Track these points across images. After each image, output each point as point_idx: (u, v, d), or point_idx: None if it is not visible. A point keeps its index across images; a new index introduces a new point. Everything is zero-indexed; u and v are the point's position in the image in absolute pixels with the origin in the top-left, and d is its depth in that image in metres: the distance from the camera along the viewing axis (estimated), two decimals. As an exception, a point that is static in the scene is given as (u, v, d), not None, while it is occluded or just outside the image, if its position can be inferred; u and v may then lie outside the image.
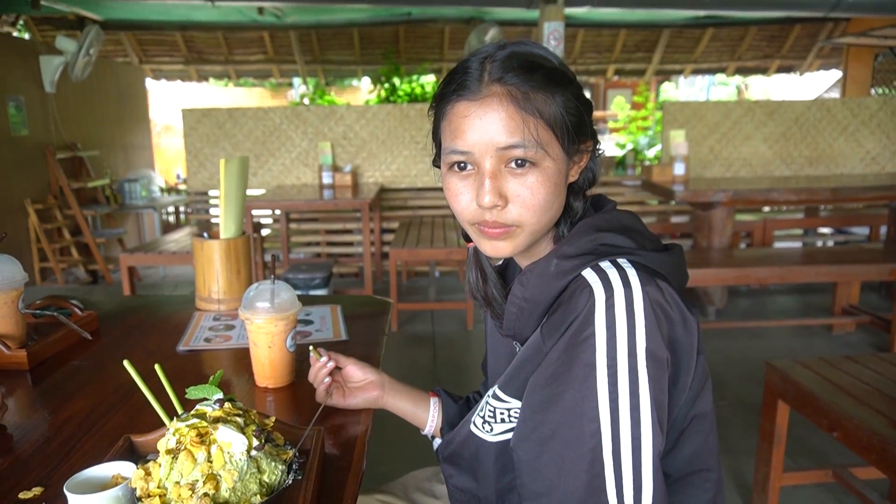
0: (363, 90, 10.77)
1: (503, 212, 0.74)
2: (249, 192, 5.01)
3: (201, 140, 4.88)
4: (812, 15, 5.08)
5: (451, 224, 4.41)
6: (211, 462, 0.65)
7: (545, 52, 0.77)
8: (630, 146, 7.82)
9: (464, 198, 0.76)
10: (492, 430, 0.83)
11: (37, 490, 0.77)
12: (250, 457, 0.67)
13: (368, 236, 4.03)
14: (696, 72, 8.33)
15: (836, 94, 8.91)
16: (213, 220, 5.22)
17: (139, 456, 0.79)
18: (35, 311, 1.32)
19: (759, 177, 4.84)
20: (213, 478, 0.64)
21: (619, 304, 0.68)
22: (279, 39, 7.28)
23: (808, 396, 1.68)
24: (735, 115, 4.92)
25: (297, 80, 9.08)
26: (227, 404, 0.70)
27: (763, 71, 8.17)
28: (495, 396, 0.82)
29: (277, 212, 5.05)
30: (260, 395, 1.08)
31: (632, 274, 0.70)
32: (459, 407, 1.05)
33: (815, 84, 10.58)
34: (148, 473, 0.66)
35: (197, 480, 0.64)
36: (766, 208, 5.26)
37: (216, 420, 0.67)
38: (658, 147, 7.39)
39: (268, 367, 1.08)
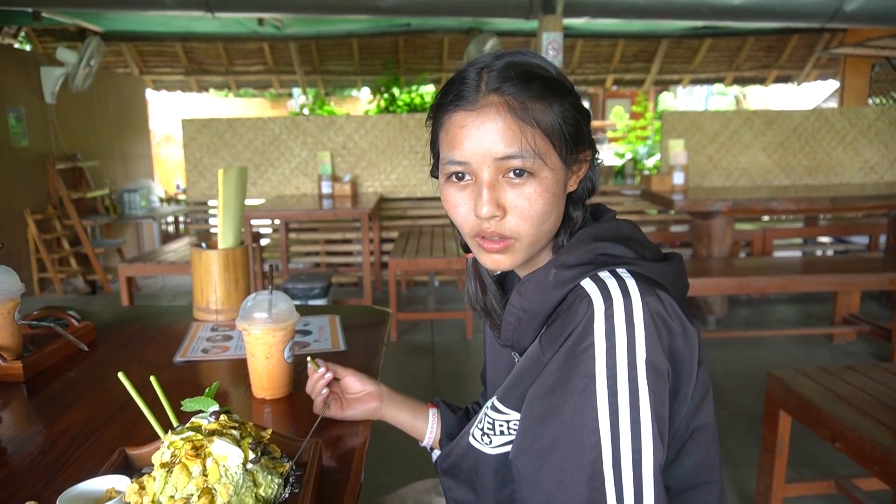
0: (363, 100, 10.81)
1: (501, 222, 0.73)
2: (249, 201, 5.02)
3: (201, 150, 4.89)
4: (809, 25, 5.10)
5: (451, 234, 4.40)
6: (206, 476, 0.64)
7: (543, 61, 0.76)
8: (629, 155, 7.83)
9: (462, 209, 0.75)
10: (491, 442, 0.82)
11: (31, 504, 0.76)
12: (246, 470, 0.66)
13: (368, 246, 4.03)
14: (695, 82, 8.37)
15: (833, 104, 8.94)
16: (213, 230, 5.22)
17: (134, 469, 0.78)
18: (32, 321, 1.31)
19: (758, 186, 4.85)
20: (208, 492, 0.63)
21: (618, 315, 0.67)
22: (279, 50, 7.31)
23: (809, 407, 1.67)
24: (734, 124, 4.93)
25: (296, 91, 9.12)
26: (222, 416, 0.69)
27: (761, 81, 8.20)
28: (494, 408, 0.81)
29: (277, 221, 5.05)
30: (257, 407, 1.07)
31: (631, 284, 0.70)
32: (458, 418, 1.04)
33: (812, 94, 10.62)
34: (142, 487, 0.65)
35: (192, 494, 0.63)
36: (766, 217, 5.27)
37: (211, 433, 0.66)
38: (657, 156, 7.41)
39: (265, 378, 1.08)
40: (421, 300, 4.75)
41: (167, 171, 10.57)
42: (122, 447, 0.80)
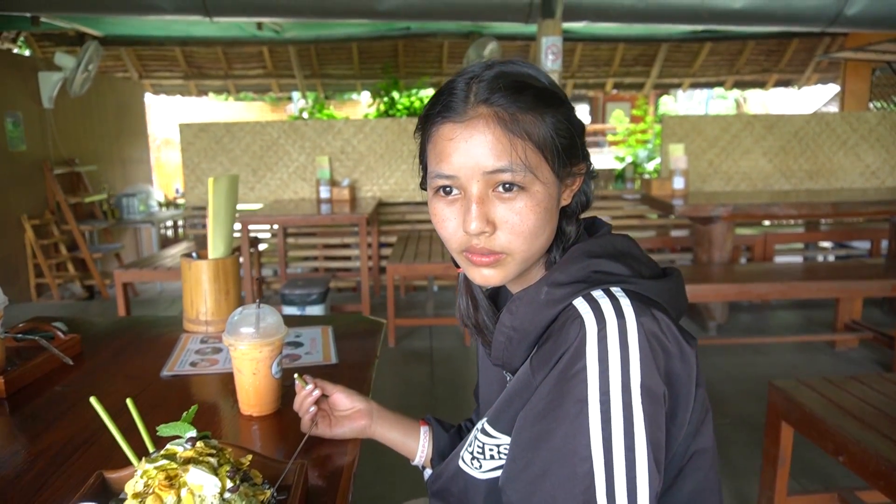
0: (363, 104, 10.80)
1: (491, 238, 0.71)
2: (247, 206, 5.00)
3: (199, 155, 4.87)
4: (810, 30, 5.08)
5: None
6: (181, 506, 0.61)
7: (535, 71, 0.74)
8: (629, 159, 7.81)
9: (450, 224, 0.73)
10: (481, 466, 0.79)
11: (2, 531, 0.73)
12: (223, 500, 0.63)
13: (366, 251, 4.00)
14: (695, 85, 8.35)
15: (834, 108, 8.92)
16: (211, 235, 5.18)
17: (112, 493, 0.75)
18: (16, 334, 1.28)
19: (758, 191, 4.82)
20: (182, 523, 0.60)
21: (611, 337, 0.64)
22: (278, 54, 7.30)
23: (812, 419, 1.64)
24: (734, 128, 4.90)
25: (296, 95, 9.10)
26: (199, 443, 0.66)
27: (761, 85, 8.18)
28: (484, 431, 0.78)
29: (275, 226, 5.03)
30: (244, 424, 1.04)
31: (625, 304, 0.67)
32: (451, 436, 1.01)
33: (812, 98, 10.60)
34: (115, 517, 0.63)
35: (166, 526, 0.60)
36: (767, 222, 5.24)
37: (187, 461, 0.63)
38: (657, 160, 7.38)
39: (252, 394, 1.05)
40: (420, 305, 4.72)
41: (167, 175, 10.56)
42: (101, 470, 0.76)
